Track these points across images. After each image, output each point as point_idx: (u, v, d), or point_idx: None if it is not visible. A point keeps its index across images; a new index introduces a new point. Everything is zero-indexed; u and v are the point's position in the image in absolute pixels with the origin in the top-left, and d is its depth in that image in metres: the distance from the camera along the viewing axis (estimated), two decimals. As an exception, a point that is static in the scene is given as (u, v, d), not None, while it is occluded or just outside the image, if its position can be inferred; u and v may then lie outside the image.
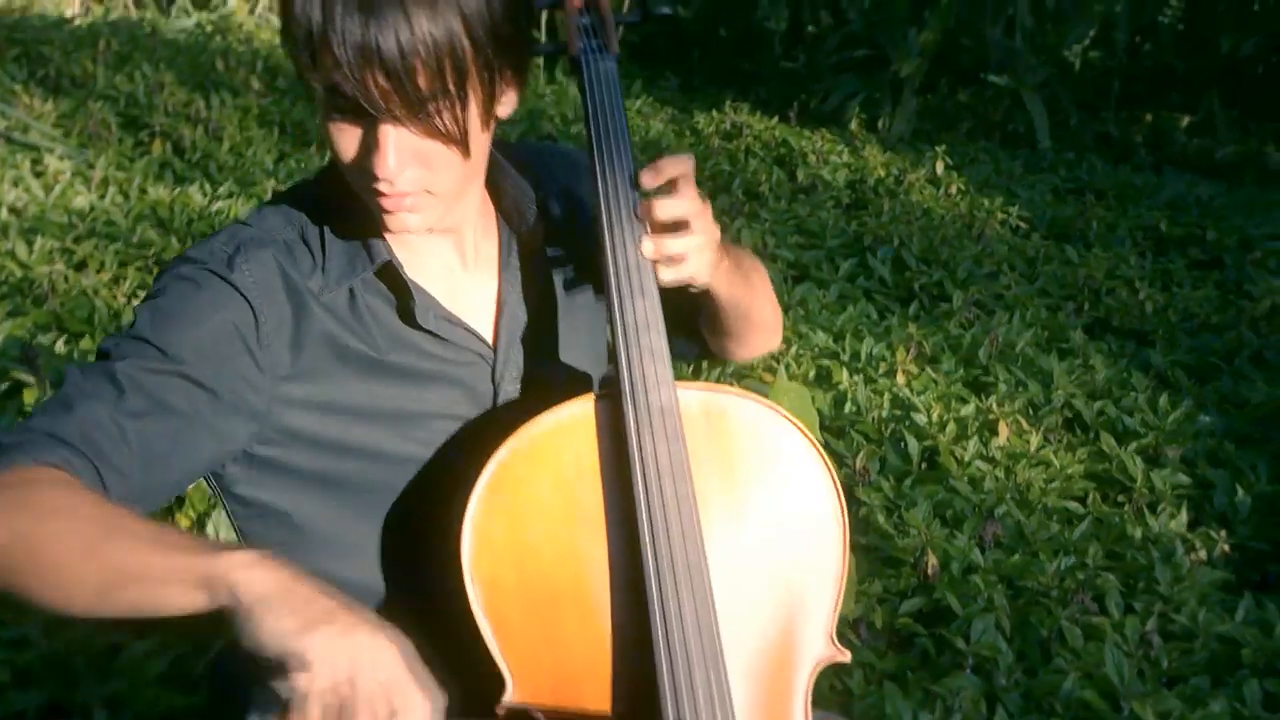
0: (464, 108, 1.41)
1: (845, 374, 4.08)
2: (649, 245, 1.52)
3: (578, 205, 1.72)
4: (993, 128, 7.99)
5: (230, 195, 5.20)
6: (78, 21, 7.82)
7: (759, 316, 1.80)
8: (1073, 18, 8.12)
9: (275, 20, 8.62)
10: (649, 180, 1.52)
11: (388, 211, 1.46)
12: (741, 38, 8.98)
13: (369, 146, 1.41)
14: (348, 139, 1.43)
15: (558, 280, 1.71)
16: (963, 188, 6.49)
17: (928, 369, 4.26)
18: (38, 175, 5.38)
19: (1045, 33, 8.03)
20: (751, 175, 6.29)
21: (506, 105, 1.50)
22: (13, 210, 4.91)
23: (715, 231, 1.56)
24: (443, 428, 1.61)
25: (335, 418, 1.55)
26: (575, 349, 1.72)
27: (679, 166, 1.53)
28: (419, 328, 1.56)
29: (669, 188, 1.53)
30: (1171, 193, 6.92)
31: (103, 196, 5.13)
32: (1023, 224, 6.16)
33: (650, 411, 1.49)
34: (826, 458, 1.61)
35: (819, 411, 3.71)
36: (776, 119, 7.38)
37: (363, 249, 1.54)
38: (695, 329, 1.82)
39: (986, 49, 8.13)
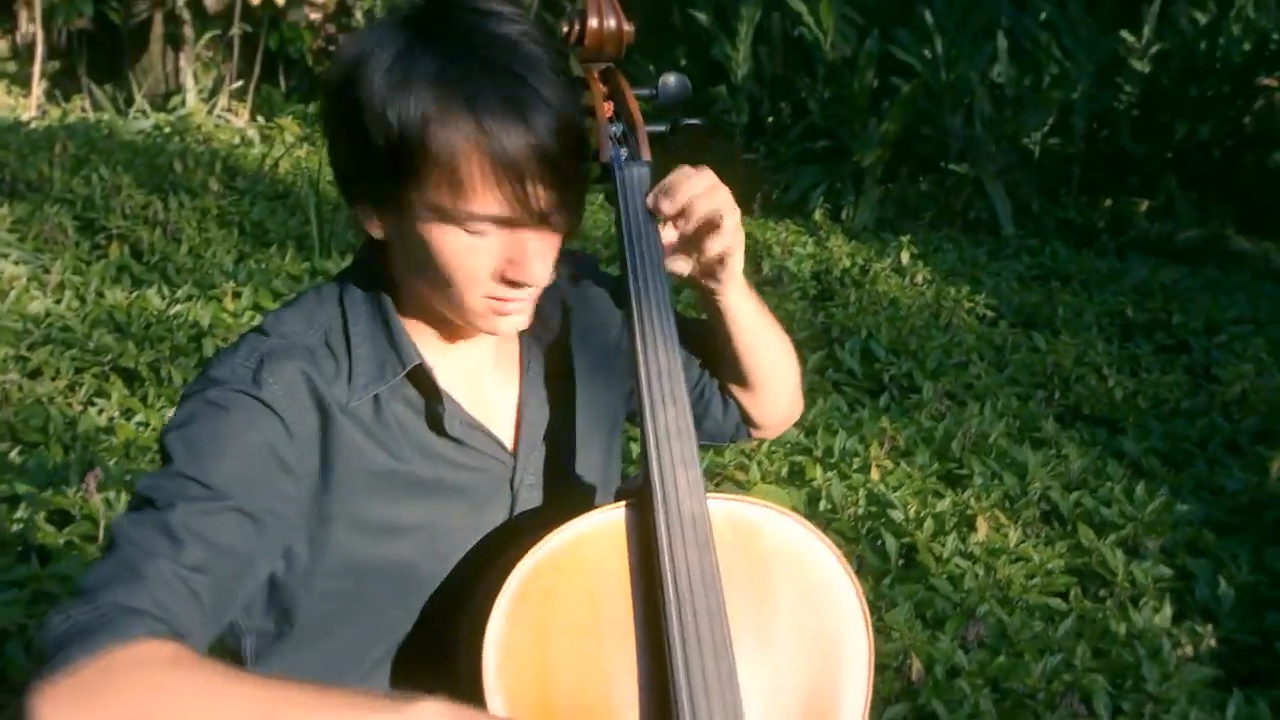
0: (583, 197, 1.49)
1: (819, 470, 4.02)
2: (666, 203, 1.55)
3: (595, 309, 1.74)
4: (955, 215, 8.00)
5: (189, 298, 5.12)
6: (34, 125, 7.76)
7: (778, 353, 1.80)
8: (1031, 105, 8.16)
9: (234, 120, 8.59)
10: (665, 205, 1.55)
11: (503, 315, 1.48)
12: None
13: (509, 255, 1.43)
14: (478, 251, 1.44)
15: (576, 384, 1.69)
16: (929, 276, 6.48)
17: (902, 463, 4.20)
18: (-9, 281, 5.28)
19: (1004, 120, 8.07)
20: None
21: None
22: (-35, 317, 4.81)
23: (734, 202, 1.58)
24: (464, 540, 1.58)
25: (362, 535, 1.51)
26: (592, 454, 1.71)
27: (678, 174, 1.56)
28: (445, 435, 1.54)
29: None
30: (1135, 277, 6.93)
31: (58, 301, 5.04)
32: (990, 312, 6.14)
33: (682, 519, 1.47)
34: (851, 570, 1.58)
35: (794, 510, 3.63)
36: (739, 210, 7.37)
37: (392, 352, 1.52)
38: (725, 384, 1.83)
39: (946, 138, 8.17)
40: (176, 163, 6.76)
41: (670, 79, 1.71)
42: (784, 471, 4.04)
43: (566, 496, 1.60)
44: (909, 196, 8.26)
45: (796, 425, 4.35)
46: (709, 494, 1.51)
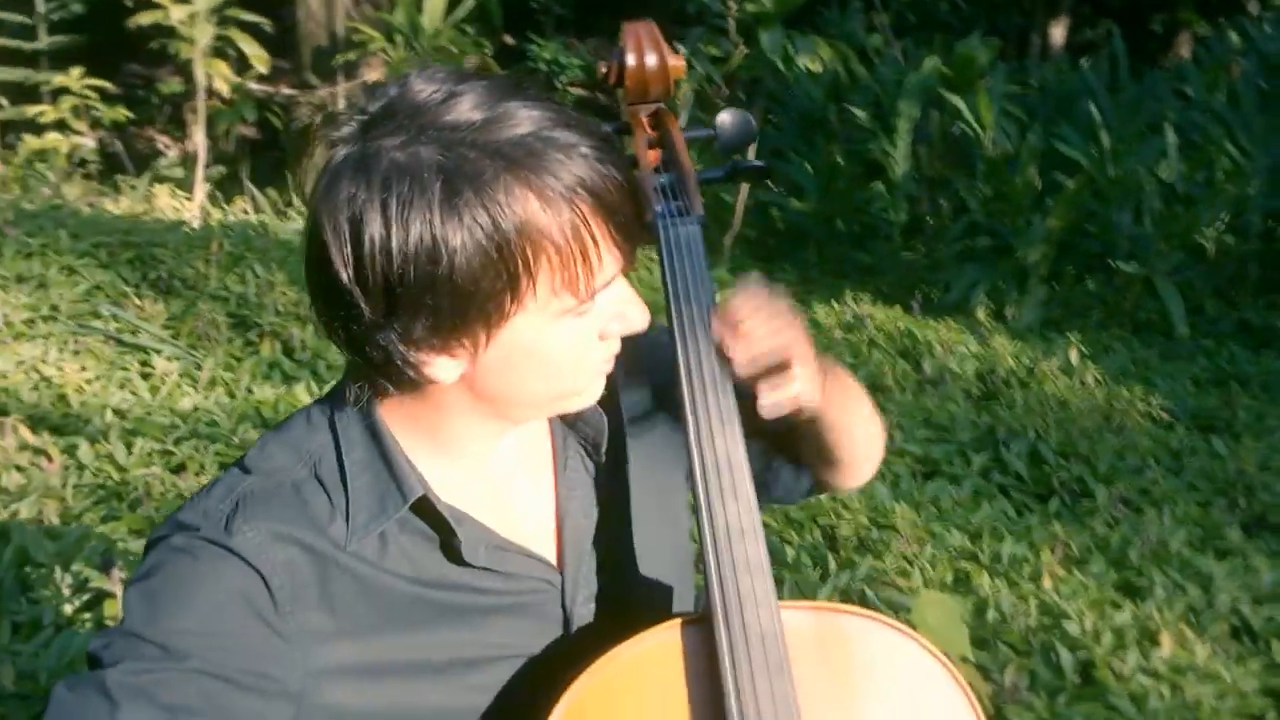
0: None
1: (986, 578, 3.77)
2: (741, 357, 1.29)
3: (649, 390, 1.49)
4: (1125, 316, 7.67)
5: (337, 394, 5.05)
6: (196, 224, 7.85)
7: (866, 433, 1.55)
8: (1203, 201, 7.83)
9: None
10: (723, 333, 1.30)
11: (601, 377, 1.32)
12: (859, 230, 8.82)
13: (611, 312, 1.27)
14: (588, 327, 1.26)
15: (630, 477, 1.45)
16: (1099, 377, 6.18)
17: (1075, 571, 3.92)
18: (145, 377, 5.28)
19: (1175, 217, 7.75)
20: (875, 367, 6.04)
21: None
22: (117, 412, 4.80)
23: (810, 347, 1.33)
24: (507, 668, 1.36)
25: (381, 683, 1.29)
26: (656, 557, 1.46)
27: (748, 303, 1.30)
28: (469, 565, 1.33)
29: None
30: (1321, 380, 6.56)
31: (208, 397, 5.01)
32: (1165, 415, 5.82)
33: (748, 638, 1.25)
34: (972, 695, 1.33)
35: (962, 621, 3.39)
36: (899, 309, 7.16)
37: (392, 483, 1.30)
38: (801, 460, 1.57)
39: (1114, 235, 7.87)
40: (329, 259, 6.74)
41: (727, 117, 1.50)
42: (949, 579, 3.79)
43: (630, 610, 1.36)
44: (1075, 296, 7.96)
45: (961, 529, 4.12)
46: (788, 603, 1.29)
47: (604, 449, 1.43)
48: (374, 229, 1.15)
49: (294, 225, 7.99)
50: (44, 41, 11.02)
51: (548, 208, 1.17)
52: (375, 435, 1.31)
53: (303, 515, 1.27)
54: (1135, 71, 10.19)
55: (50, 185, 8.66)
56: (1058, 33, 12.97)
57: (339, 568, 1.27)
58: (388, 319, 1.19)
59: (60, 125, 9.78)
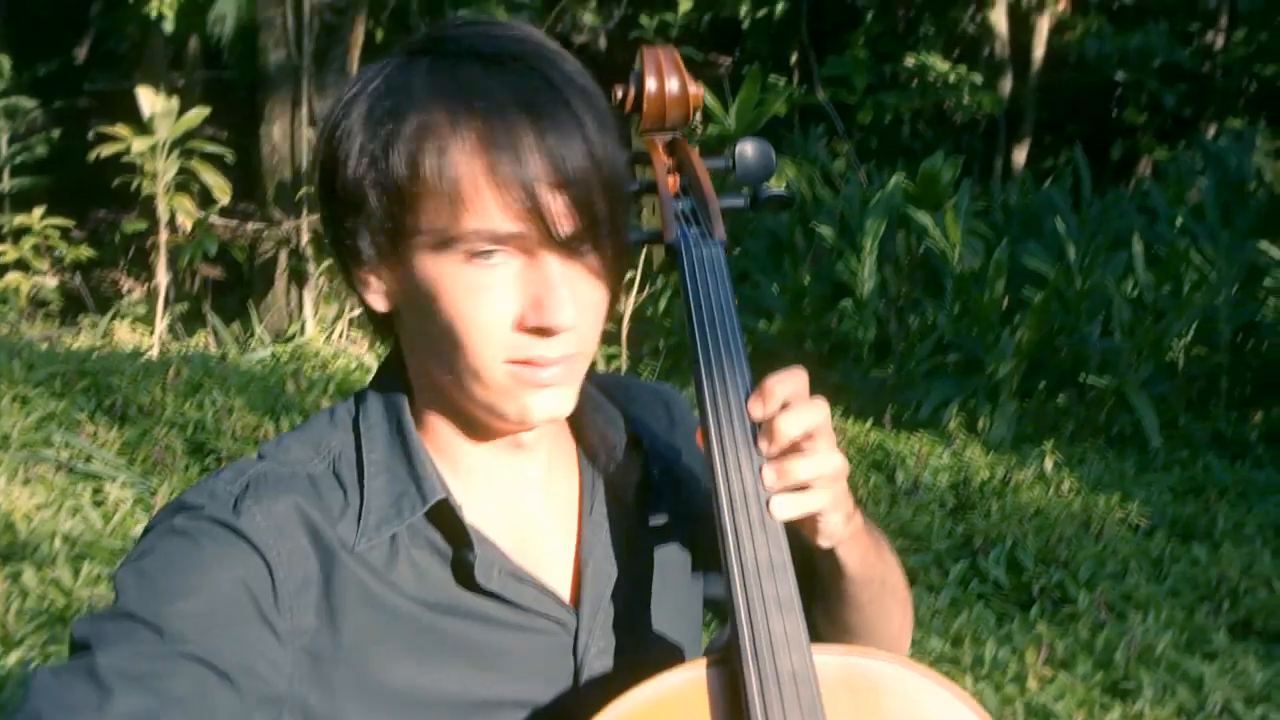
0: (621, 240, 1.21)
1: (969, 680, 3.63)
2: (770, 472, 1.20)
3: (668, 446, 1.42)
4: (1097, 429, 7.59)
5: (294, 516, 4.91)
6: (154, 354, 7.74)
7: (892, 603, 1.42)
8: (1171, 313, 7.81)
9: (353, 348, 8.53)
10: (757, 410, 1.22)
11: (532, 386, 1.19)
12: (828, 350, 8.77)
13: (528, 295, 1.16)
14: (490, 287, 1.16)
15: (651, 530, 1.38)
16: (1075, 485, 6.08)
17: (1061, 673, 3.79)
18: (97, 505, 5.14)
19: (1145, 329, 7.71)
20: (849, 480, 5.91)
21: None
22: (66, 539, 4.65)
23: (842, 461, 1.24)
24: (507, 717, 1.25)
25: (367, 706, 1.19)
26: (673, 614, 1.38)
27: (790, 384, 1.23)
28: (480, 590, 1.23)
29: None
30: (1298, 490, 6.47)
31: (161, 522, 4.87)
32: (1143, 522, 5.72)
33: (780, 679, 1.17)
34: None
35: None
36: (870, 423, 7.07)
37: (411, 484, 1.22)
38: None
39: (1084, 349, 7.83)
40: (289, 383, 6.64)
41: (748, 147, 1.44)
42: (929, 683, 3.65)
43: (646, 666, 1.26)
44: (1047, 411, 7.88)
45: (941, 635, 3.99)
46: (818, 646, 1.20)
47: (632, 499, 1.36)
48: (331, 118, 1.21)
49: (255, 355, 7.88)
50: (6, 184, 11.01)
51: (439, 136, 1.14)
52: (401, 437, 1.25)
53: (315, 505, 1.21)
54: (1098, 190, 10.25)
55: (9, 324, 8.56)
56: (1019, 156, 13.09)
57: (343, 573, 1.20)
58: (323, 207, 1.23)
59: (21, 265, 9.71)
